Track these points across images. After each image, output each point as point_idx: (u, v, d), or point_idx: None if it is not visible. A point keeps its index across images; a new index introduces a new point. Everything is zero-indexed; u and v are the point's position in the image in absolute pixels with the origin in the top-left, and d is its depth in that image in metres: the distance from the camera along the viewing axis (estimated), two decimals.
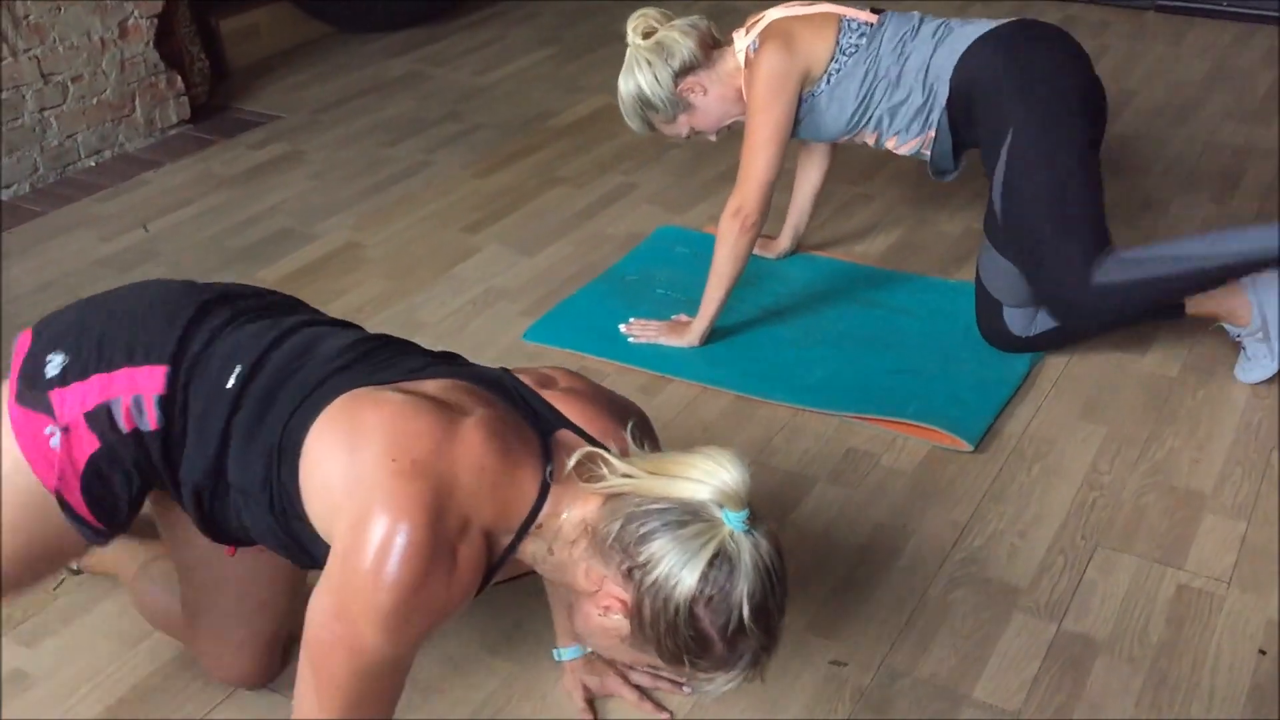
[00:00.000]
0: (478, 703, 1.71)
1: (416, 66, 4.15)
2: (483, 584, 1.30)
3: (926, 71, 2.28)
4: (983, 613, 1.84)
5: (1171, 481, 2.11)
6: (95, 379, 1.39)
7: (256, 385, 1.38)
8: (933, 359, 2.42)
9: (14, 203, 3.23)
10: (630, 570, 1.21)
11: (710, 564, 1.17)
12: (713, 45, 2.39)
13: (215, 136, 3.63)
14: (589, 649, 1.71)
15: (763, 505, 1.26)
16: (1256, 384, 2.30)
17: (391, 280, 2.81)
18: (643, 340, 2.49)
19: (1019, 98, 2.21)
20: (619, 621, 1.25)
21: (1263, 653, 1.76)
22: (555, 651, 1.73)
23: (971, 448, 2.18)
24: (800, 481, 2.13)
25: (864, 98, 2.33)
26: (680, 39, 2.34)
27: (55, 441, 1.38)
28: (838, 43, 2.31)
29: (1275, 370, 2.26)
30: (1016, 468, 2.15)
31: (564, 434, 1.34)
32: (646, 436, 1.42)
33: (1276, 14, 4.19)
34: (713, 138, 2.48)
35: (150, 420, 1.39)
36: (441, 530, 1.22)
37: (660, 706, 1.69)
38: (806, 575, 1.92)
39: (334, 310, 2.65)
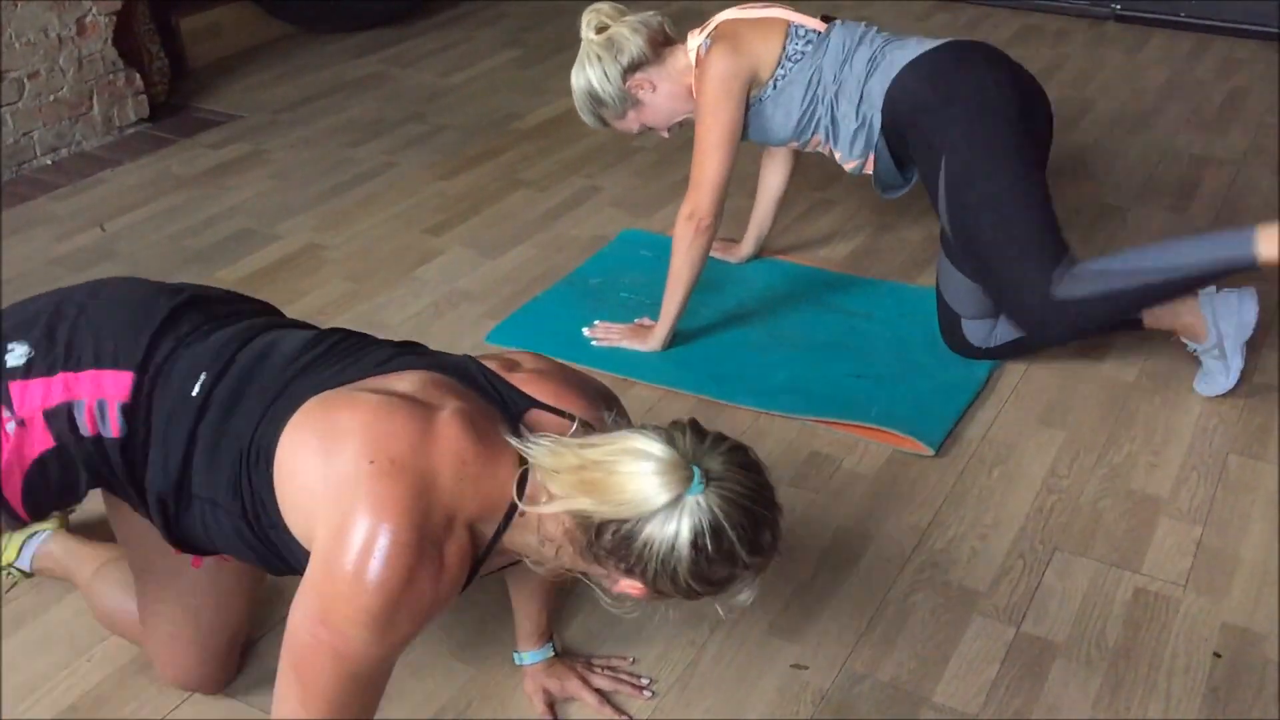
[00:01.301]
0: (438, 706, 1.70)
1: (380, 67, 4.13)
2: (469, 577, 1.30)
3: (860, 100, 2.29)
4: (943, 616, 1.85)
5: (1129, 486, 2.13)
6: (61, 377, 1.36)
7: (221, 391, 1.37)
8: (894, 364, 2.44)
9: None
10: (629, 569, 1.23)
11: (693, 533, 1.19)
12: (664, 42, 2.38)
13: (174, 136, 3.59)
14: (551, 655, 1.71)
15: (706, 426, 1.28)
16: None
17: (353, 282, 2.79)
18: (605, 344, 2.48)
19: (946, 122, 2.21)
20: (640, 592, 1.28)
21: (1218, 655, 1.78)
22: (516, 655, 1.72)
23: (933, 452, 2.19)
24: None
25: (808, 104, 2.33)
26: (630, 35, 2.33)
27: (9, 429, 1.35)
28: (784, 49, 2.31)
29: (1232, 385, 2.28)
30: (977, 472, 2.17)
31: (533, 414, 1.35)
32: (616, 412, 1.43)
33: (1232, 25, 4.25)
34: (665, 134, 2.48)
35: (113, 427, 1.37)
36: (426, 528, 1.22)
37: (620, 711, 1.68)
38: (768, 579, 1.91)
39: (293, 312, 2.64)
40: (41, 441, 1.36)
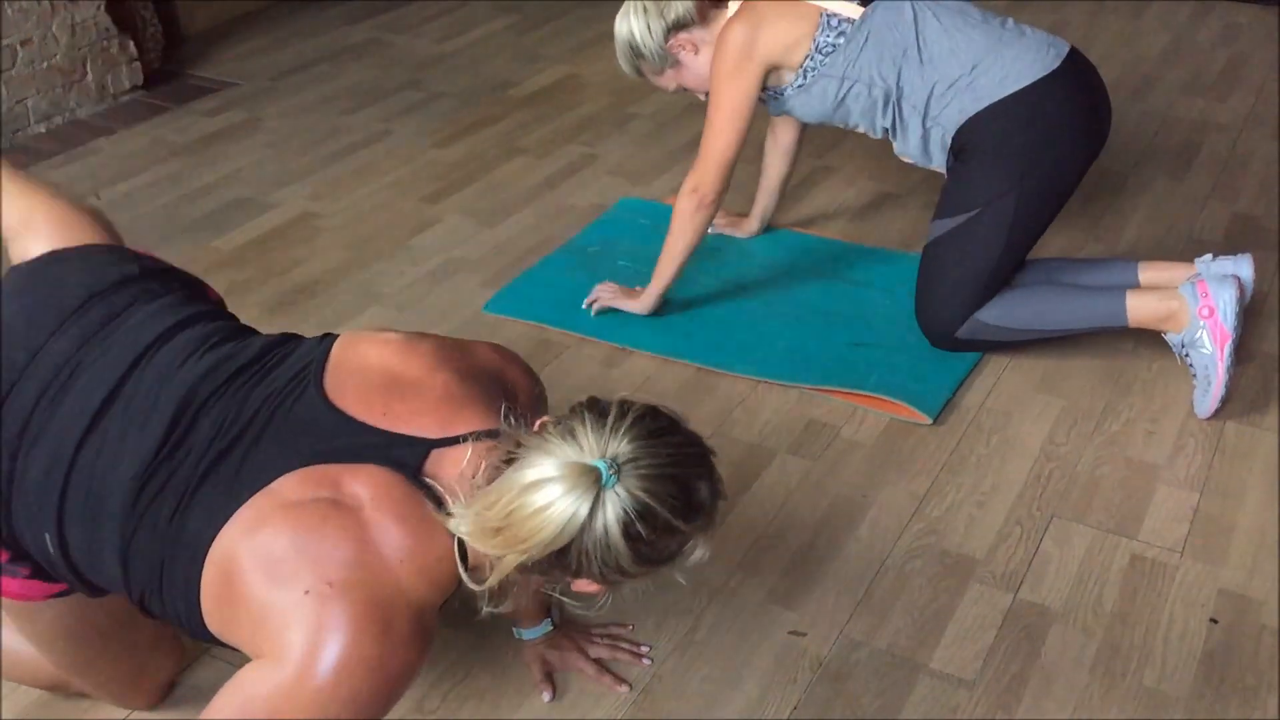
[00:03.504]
0: (437, 674, 1.71)
1: (375, 34, 4.10)
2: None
3: (926, 114, 2.22)
4: (940, 583, 1.86)
5: (1126, 453, 2.14)
6: None
7: (73, 550, 1.31)
8: (893, 332, 2.43)
9: None
10: (575, 572, 1.20)
11: (621, 525, 1.15)
12: (713, 4, 2.32)
13: (169, 103, 3.56)
14: (550, 629, 1.72)
15: (598, 396, 1.24)
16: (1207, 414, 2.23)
17: (349, 250, 2.77)
18: (599, 304, 2.47)
19: (1003, 183, 2.19)
20: (596, 588, 1.25)
21: (1214, 621, 1.79)
22: (515, 630, 1.72)
23: (931, 420, 2.19)
24: (760, 453, 2.13)
25: (840, 100, 2.27)
26: None
27: None
28: (815, 40, 2.23)
29: (1220, 403, 2.18)
30: (974, 440, 2.17)
31: (432, 460, 1.25)
32: (527, 400, 1.36)
33: None
34: (701, 97, 2.40)
35: (21, 570, 1.36)
36: (386, 633, 1.17)
37: (619, 679, 1.69)
38: (766, 546, 1.93)
39: (290, 281, 2.64)
40: None
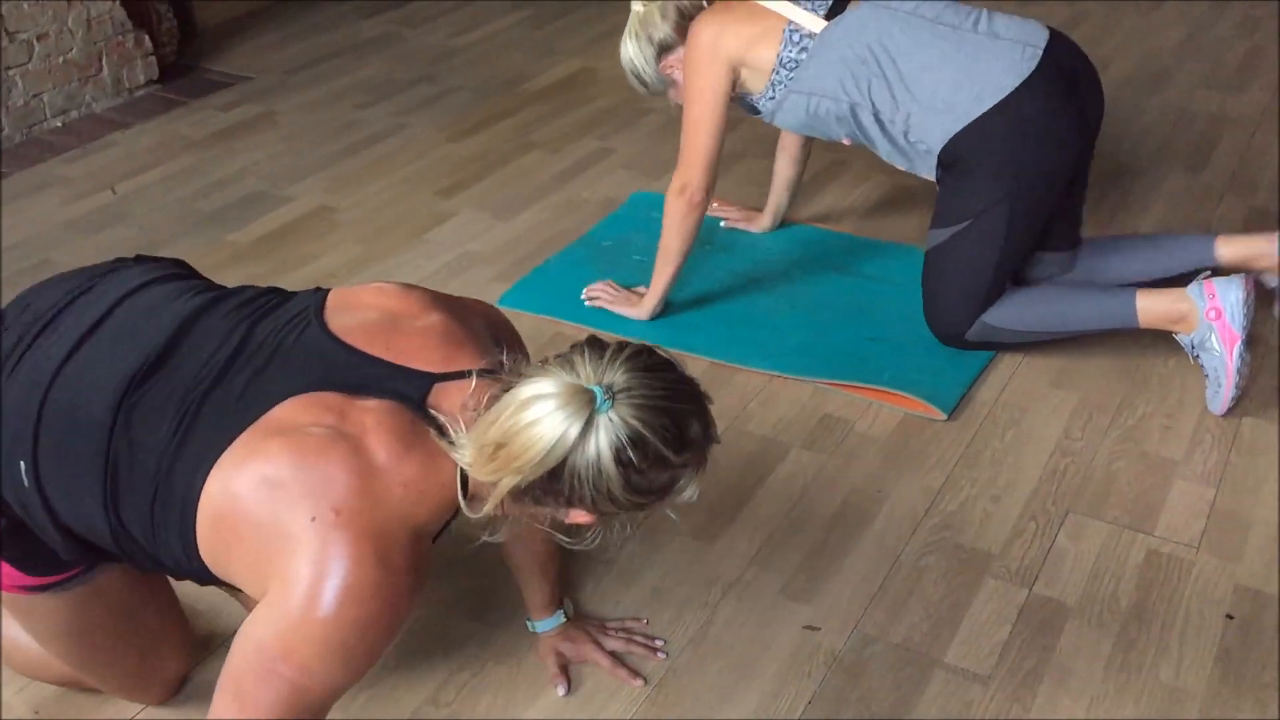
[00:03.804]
0: (454, 666, 1.71)
1: (390, 28, 4.10)
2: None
3: (909, 130, 2.20)
4: (955, 578, 1.86)
5: (1142, 448, 2.13)
6: None
7: (47, 479, 1.28)
8: (907, 327, 2.42)
9: None
10: (568, 499, 1.21)
11: (614, 449, 1.16)
12: (692, 22, 2.32)
13: (184, 97, 3.58)
14: (563, 621, 1.72)
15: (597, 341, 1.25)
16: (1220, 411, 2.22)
17: (364, 244, 2.78)
18: (598, 305, 2.48)
19: (1000, 194, 2.17)
20: (588, 518, 1.26)
21: (1230, 617, 1.78)
22: (529, 623, 1.73)
23: (945, 416, 2.19)
24: (775, 448, 2.13)
25: (812, 117, 2.27)
26: (659, 20, 2.30)
27: None
28: (779, 55, 2.22)
29: (1233, 402, 2.18)
30: (989, 434, 2.16)
31: (435, 393, 1.27)
32: (506, 342, 1.38)
33: None
34: None
35: None
36: (386, 559, 1.18)
37: (634, 673, 1.69)
38: (780, 541, 1.93)
39: (305, 276, 2.64)
40: None
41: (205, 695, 1.64)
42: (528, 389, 1.18)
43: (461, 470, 1.24)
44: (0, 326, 1.37)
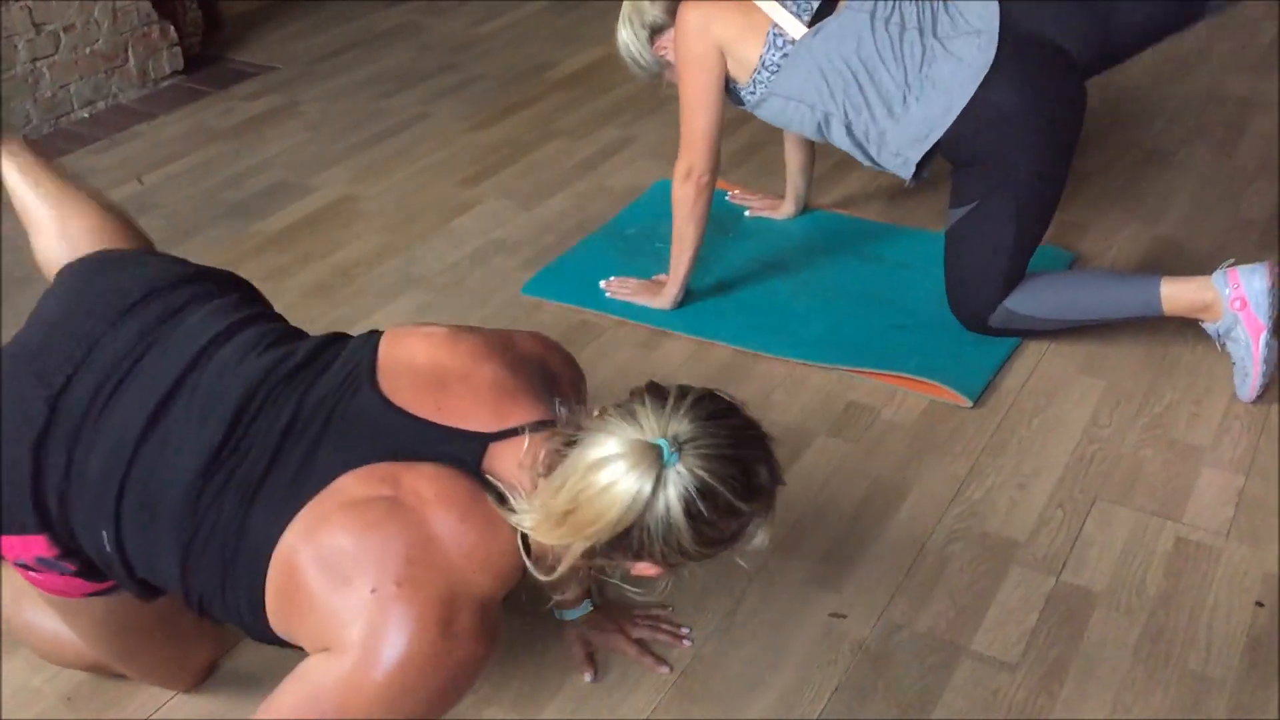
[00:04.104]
0: None
1: (411, 17, 4.11)
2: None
3: (883, 144, 2.20)
4: (981, 565, 1.85)
5: (1170, 435, 2.12)
6: (3, 539, 1.34)
7: (129, 546, 1.31)
8: (932, 313, 2.41)
9: None
10: (636, 553, 1.21)
11: (684, 503, 1.15)
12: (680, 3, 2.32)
13: (209, 88, 3.59)
14: (591, 609, 1.72)
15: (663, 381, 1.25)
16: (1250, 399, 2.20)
17: (389, 234, 2.79)
18: (619, 298, 2.47)
19: (1000, 179, 2.16)
20: (656, 572, 1.25)
21: (1260, 605, 1.77)
22: (556, 611, 1.73)
23: (971, 403, 2.18)
24: (800, 435, 2.13)
25: (791, 121, 2.28)
26: (648, 4, 2.31)
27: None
28: (762, 57, 2.23)
29: (1261, 388, 2.16)
30: (1016, 422, 2.15)
31: (490, 454, 1.26)
32: (560, 392, 1.37)
33: None
34: None
35: (68, 566, 1.36)
36: (452, 629, 1.18)
37: (660, 660, 1.70)
38: (806, 528, 1.93)
39: (331, 266, 2.66)
40: (60, 571, 1.37)
41: (233, 683, 1.68)
42: (594, 451, 1.16)
43: (523, 533, 1.23)
44: (54, 355, 1.34)
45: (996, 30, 2.13)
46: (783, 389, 2.25)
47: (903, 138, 2.19)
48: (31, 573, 1.38)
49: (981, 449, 2.09)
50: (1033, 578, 1.83)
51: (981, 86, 2.12)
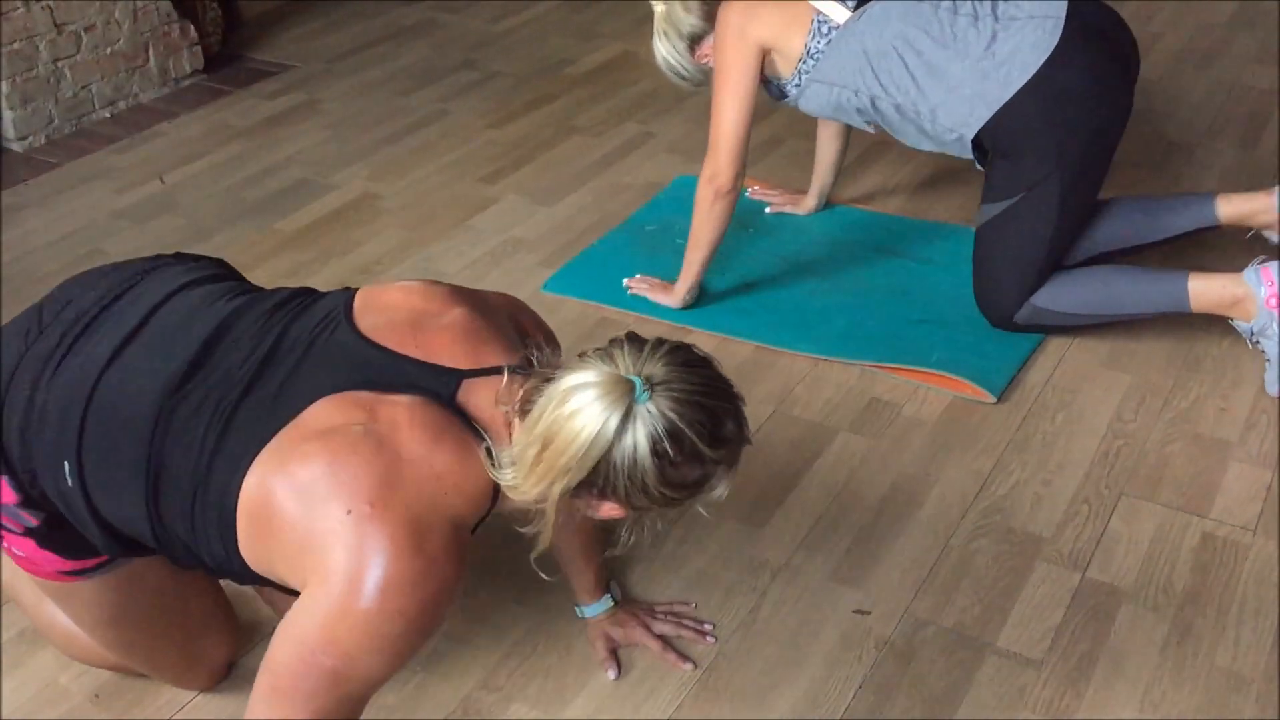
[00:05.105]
0: (504, 651, 1.72)
1: (430, 14, 4.11)
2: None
3: (937, 120, 2.17)
4: (1006, 562, 1.84)
5: (1196, 430, 2.10)
6: None
7: (91, 478, 1.30)
8: (955, 309, 2.40)
9: (30, 154, 3.22)
10: (601, 491, 1.22)
11: (651, 441, 1.17)
12: (717, 5, 2.30)
13: (229, 87, 3.60)
14: (612, 605, 1.72)
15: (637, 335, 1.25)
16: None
17: (409, 231, 2.79)
18: (637, 294, 2.47)
19: (1048, 169, 2.14)
20: (620, 512, 1.27)
21: None
22: (577, 609, 1.73)
23: (995, 398, 2.17)
24: (822, 432, 2.12)
25: (835, 108, 2.26)
26: (682, 13, 2.29)
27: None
28: (807, 45, 2.21)
29: None
30: (1040, 417, 2.14)
31: (465, 389, 1.28)
32: (534, 339, 1.38)
33: None
34: None
35: (30, 519, 1.36)
36: (422, 548, 1.19)
37: (684, 656, 1.69)
38: (829, 525, 1.92)
39: (351, 263, 2.66)
40: (22, 526, 1.37)
41: (251, 681, 1.67)
42: (569, 379, 1.19)
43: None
44: (39, 321, 1.39)
45: (1064, 16, 2.12)
46: (804, 385, 2.24)
47: (957, 114, 2.14)
48: (9, 546, 1.38)
49: (1005, 445, 2.08)
50: (1058, 574, 1.82)
51: (1047, 64, 2.09)
